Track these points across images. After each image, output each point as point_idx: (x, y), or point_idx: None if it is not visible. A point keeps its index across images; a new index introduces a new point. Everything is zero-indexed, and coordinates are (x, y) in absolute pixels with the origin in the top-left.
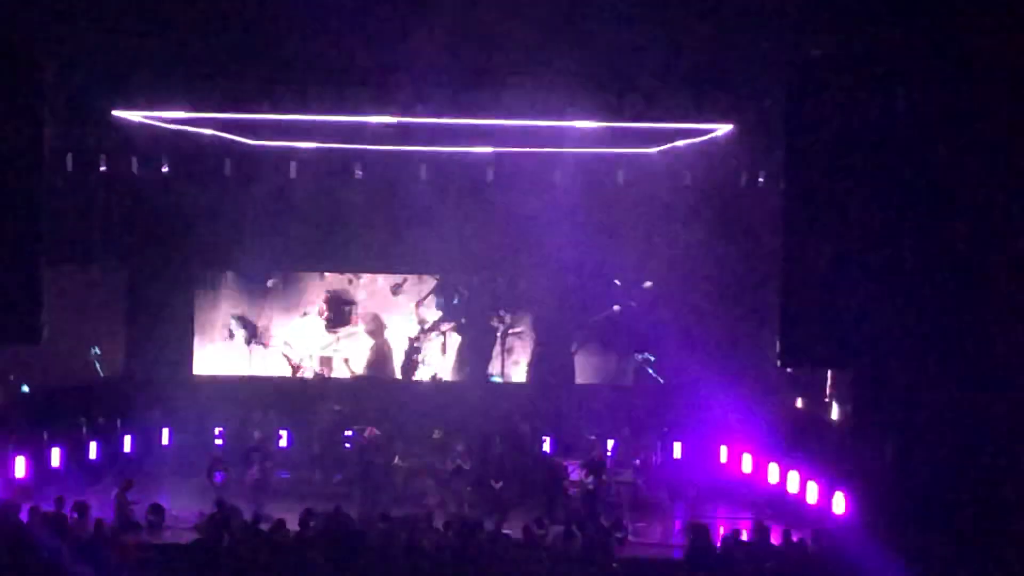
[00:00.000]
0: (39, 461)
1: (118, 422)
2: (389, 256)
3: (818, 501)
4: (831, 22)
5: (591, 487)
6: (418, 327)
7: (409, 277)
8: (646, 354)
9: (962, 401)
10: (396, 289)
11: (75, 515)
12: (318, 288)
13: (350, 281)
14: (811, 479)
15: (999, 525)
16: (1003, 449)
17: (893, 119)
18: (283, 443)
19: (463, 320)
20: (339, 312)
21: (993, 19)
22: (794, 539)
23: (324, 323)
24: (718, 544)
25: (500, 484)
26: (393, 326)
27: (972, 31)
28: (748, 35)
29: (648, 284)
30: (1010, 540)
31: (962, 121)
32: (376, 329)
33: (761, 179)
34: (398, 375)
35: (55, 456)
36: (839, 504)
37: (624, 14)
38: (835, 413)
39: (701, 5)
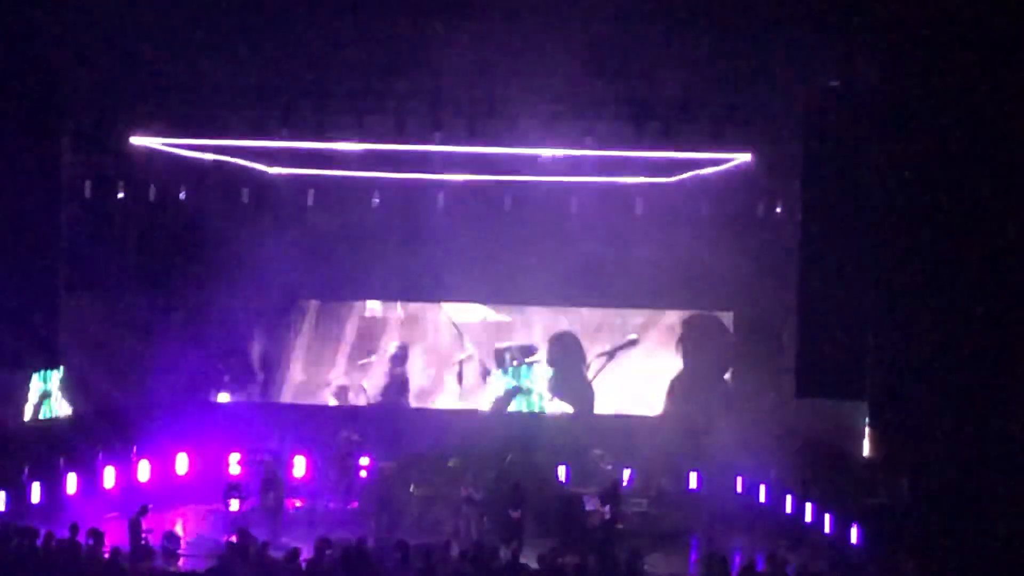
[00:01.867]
0: (54, 487)
1: (134, 448)
2: (405, 284)
3: (833, 532)
4: (849, 53)
5: (607, 517)
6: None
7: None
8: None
9: (979, 433)
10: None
11: (90, 542)
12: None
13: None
14: (827, 510)
15: (1016, 559)
16: (1017, 483)
17: (910, 150)
18: (298, 471)
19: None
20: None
21: (1011, 50)
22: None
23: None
24: None
25: (518, 513)
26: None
27: (990, 62)
28: (766, 65)
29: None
30: None
31: (980, 152)
32: (399, 357)
33: (779, 209)
34: (414, 403)
35: (71, 482)
36: (854, 536)
37: (642, 44)
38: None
39: (719, 35)
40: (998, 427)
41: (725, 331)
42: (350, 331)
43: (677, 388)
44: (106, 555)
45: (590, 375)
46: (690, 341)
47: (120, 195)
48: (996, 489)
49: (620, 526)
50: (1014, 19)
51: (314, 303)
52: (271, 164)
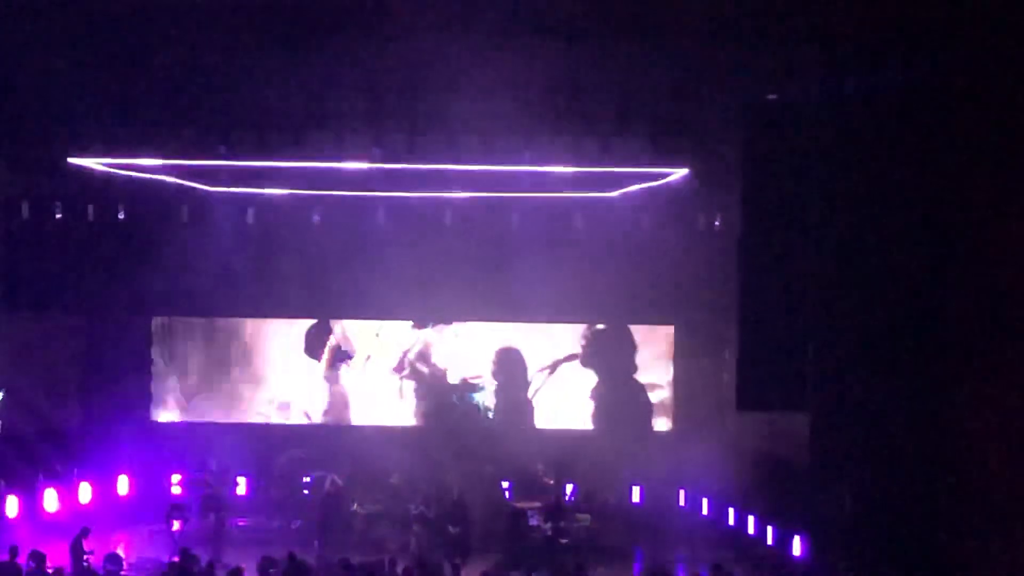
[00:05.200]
0: None
1: (75, 470)
2: (346, 301)
3: (775, 544)
4: (785, 65)
5: (550, 532)
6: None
7: None
8: None
9: (920, 444)
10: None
11: (32, 565)
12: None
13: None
14: (770, 522)
15: (953, 570)
16: (958, 493)
17: (847, 162)
18: (241, 490)
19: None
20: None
21: (945, 62)
22: None
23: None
24: None
25: (457, 530)
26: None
27: (925, 74)
28: (703, 79)
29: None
30: None
31: (918, 163)
32: (333, 374)
33: (717, 223)
34: (354, 420)
35: (11, 505)
36: (796, 547)
37: (579, 59)
38: None
39: (655, 50)
40: (938, 438)
41: (629, 342)
42: (292, 348)
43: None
44: None
45: (531, 390)
46: (594, 354)
47: (58, 215)
48: (937, 499)
49: (564, 541)
50: (947, 30)
51: (254, 320)
52: (210, 183)
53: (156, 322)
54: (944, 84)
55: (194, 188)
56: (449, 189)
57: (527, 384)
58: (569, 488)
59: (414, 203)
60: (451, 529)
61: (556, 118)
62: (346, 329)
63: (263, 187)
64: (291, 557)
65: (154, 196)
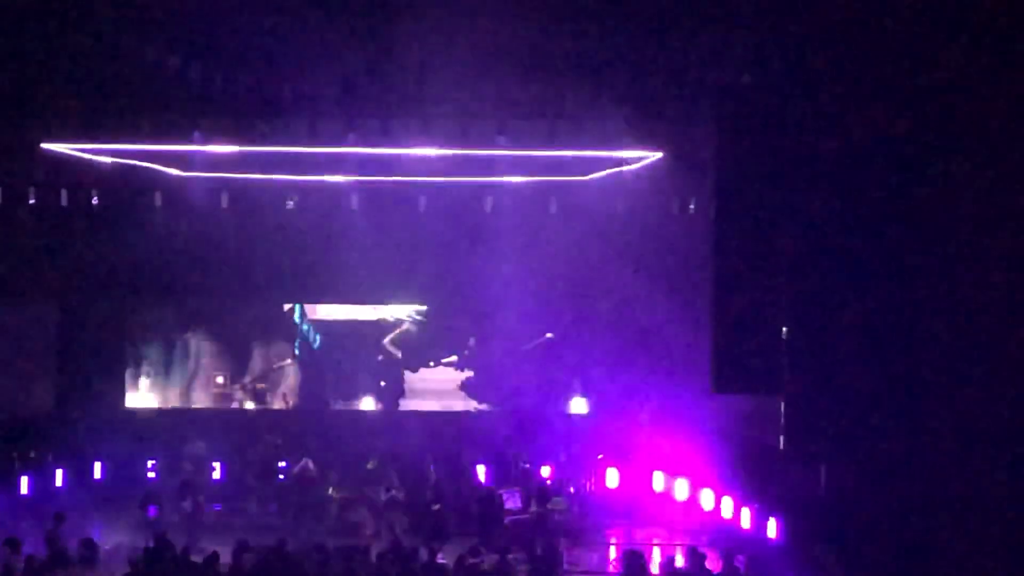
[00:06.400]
0: None
1: (49, 456)
2: (322, 287)
3: (752, 527)
4: (760, 50)
5: (527, 516)
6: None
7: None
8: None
9: (894, 427)
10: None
11: (6, 551)
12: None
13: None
14: (745, 505)
15: (928, 551)
16: (932, 474)
17: (822, 146)
18: (216, 475)
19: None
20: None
21: (920, 49)
22: (734, 563)
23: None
24: (653, 572)
25: (439, 507)
26: None
27: (901, 61)
28: (677, 63)
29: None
30: (939, 565)
31: (892, 149)
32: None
33: (692, 207)
34: (332, 405)
35: None
36: (772, 530)
37: (553, 42)
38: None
39: (629, 33)
40: (912, 420)
41: None
42: (267, 333)
43: None
44: (22, 564)
45: None
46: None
47: (31, 201)
48: (910, 481)
49: (540, 524)
50: (923, 17)
51: (229, 305)
52: (184, 168)
53: (130, 307)
54: (922, 68)
55: (168, 173)
56: (423, 173)
57: (501, 368)
58: (546, 471)
59: (388, 188)
60: (434, 508)
61: (530, 102)
62: (321, 313)
63: (237, 172)
64: (282, 543)
65: (128, 181)
